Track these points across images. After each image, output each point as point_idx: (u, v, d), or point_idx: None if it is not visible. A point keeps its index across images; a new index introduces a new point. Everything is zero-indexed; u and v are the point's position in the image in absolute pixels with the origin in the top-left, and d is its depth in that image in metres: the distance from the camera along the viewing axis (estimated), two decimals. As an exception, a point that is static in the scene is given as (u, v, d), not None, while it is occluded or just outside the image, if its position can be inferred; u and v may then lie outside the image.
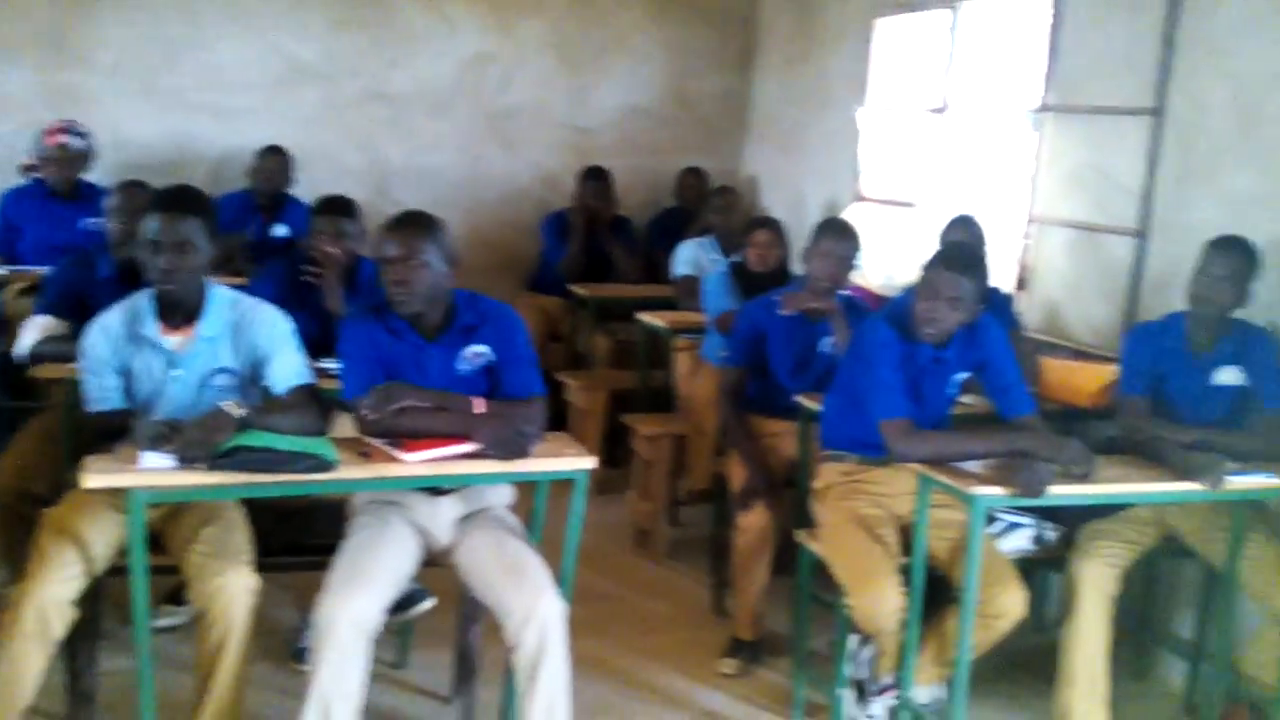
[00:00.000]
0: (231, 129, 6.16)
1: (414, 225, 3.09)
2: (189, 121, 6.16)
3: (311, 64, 6.33)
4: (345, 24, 6.35)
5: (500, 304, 3.23)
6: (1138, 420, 3.46)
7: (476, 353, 3.14)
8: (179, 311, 3.09)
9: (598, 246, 6.30)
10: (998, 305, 4.21)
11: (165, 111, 6.12)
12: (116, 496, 2.82)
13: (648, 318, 5.31)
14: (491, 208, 6.72)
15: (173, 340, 3.07)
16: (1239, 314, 3.50)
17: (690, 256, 5.63)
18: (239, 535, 3.04)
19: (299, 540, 3.34)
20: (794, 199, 6.55)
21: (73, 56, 5.96)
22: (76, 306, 3.77)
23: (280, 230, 5.77)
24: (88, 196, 5.47)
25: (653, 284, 6.13)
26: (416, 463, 2.86)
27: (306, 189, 6.12)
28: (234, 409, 2.81)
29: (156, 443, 2.73)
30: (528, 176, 6.82)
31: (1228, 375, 3.52)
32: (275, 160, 5.88)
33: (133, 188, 4.04)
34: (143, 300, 3.10)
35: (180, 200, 3.10)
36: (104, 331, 3.06)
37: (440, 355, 3.12)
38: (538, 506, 3.22)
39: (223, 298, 3.15)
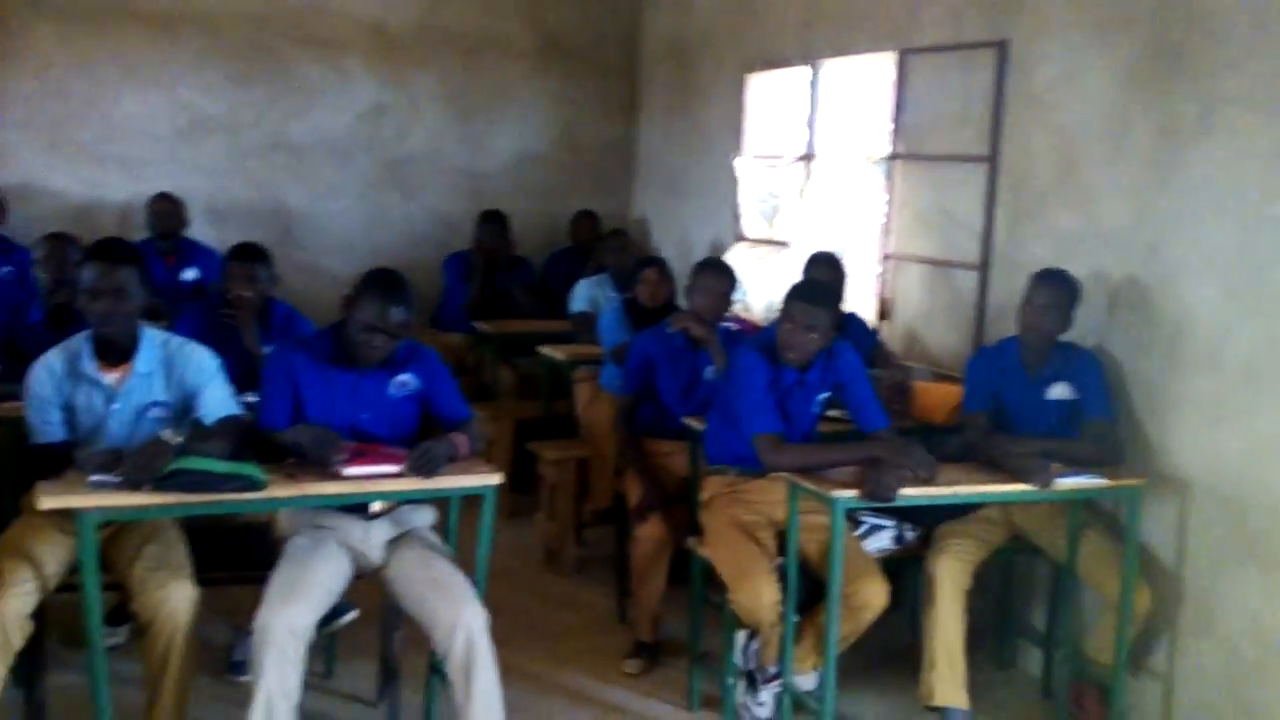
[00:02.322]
0: (138, 179, 6.40)
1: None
2: (97, 173, 6.41)
3: (214, 116, 6.62)
4: (245, 78, 6.66)
5: (416, 342, 3.59)
6: (980, 434, 3.91)
7: (403, 382, 3.49)
8: (115, 351, 3.38)
9: (498, 285, 6.66)
10: (863, 334, 4.69)
11: (73, 164, 6.36)
12: (65, 519, 3.10)
13: (549, 351, 5.65)
14: (392, 251, 7.04)
15: (110, 377, 3.36)
16: (1067, 337, 4.00)
17: (586, 294, 6.02)
18: (179, 551, 3.33)
19: (231, 559, 3.61)
20: (681, 239, 7.00)
21: (-19, 112, 6.17)
22: (8, 350, 4.04)
23: (189, 274, 6.02)
24: (3, 248, 5.69)
25: (551, 319, 6.49)
26: (356, 477, 3.18)
27: (213, 235, 6.42)
28: (171, 437, 3.11)
29: (102, 469, 3.03)
30: (426, 220, 7.16)
31: (1058, 391, 3.99)
32: (165, 205, 6.14)
33: (59, 239, 4.29)
34: (81, 341, 3.38)
35: (114, 251, 3.40)
36: (47, 370, 3.34)
37: (372, 383, 3.46)
38: (451, 522, 3.57)
39: (154, 338, 3.45)
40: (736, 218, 6.42)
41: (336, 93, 6.87)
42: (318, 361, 3.43)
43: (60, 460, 3.22)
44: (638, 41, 7.52)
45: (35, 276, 5.57)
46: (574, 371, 5.60)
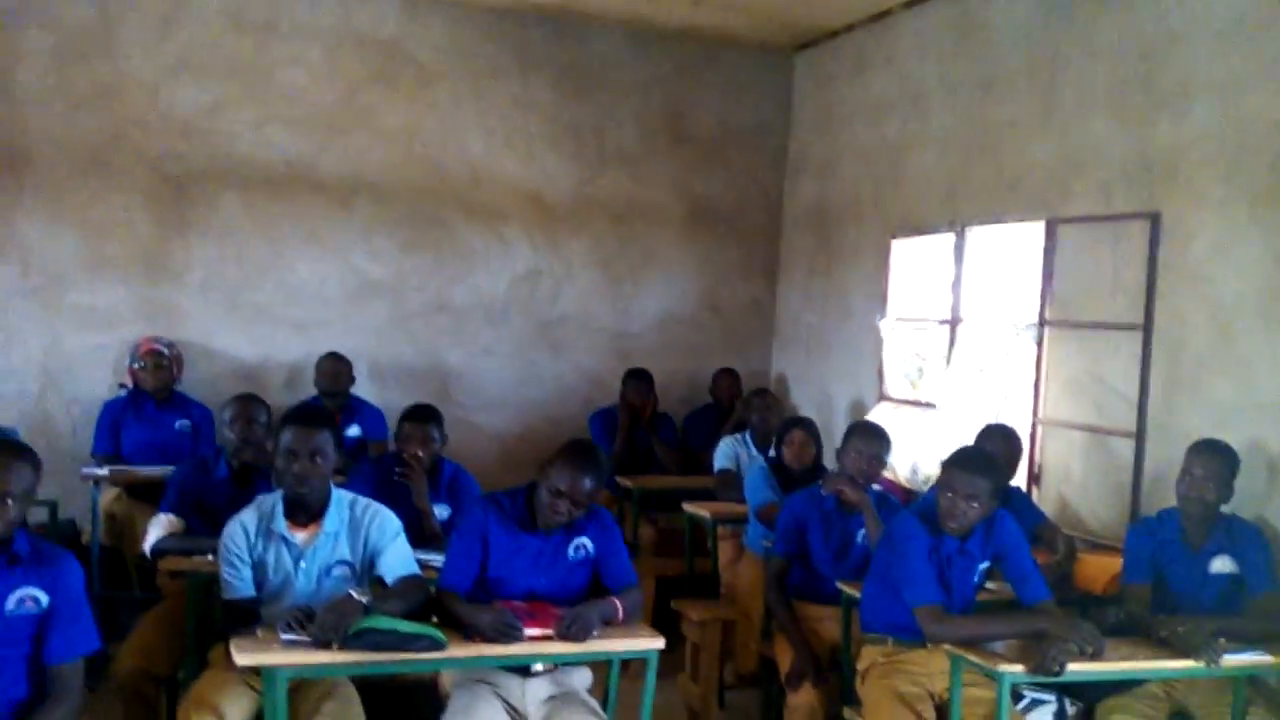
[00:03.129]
0: (308, 339, 6.78)
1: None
2: (270, 333, 6.80)
3: (382, 280, 7.01)
4: (412, 245, 7.06)
5: (600, 507, 3.73)
6: (1141, 607, 3.87)
7: (580, 545, 3.65)
8: (305, 511, 3.59)
9: (641, 441, 6.83)
10: (1028, 510, 4.67)
11: (248, 324, 6.77)
12: (251, 674, 3.28)
13: (693, 508, 5.73)
14: (542, 406, 7.30)
15: (300, 536, 3.57)
16: (1228, 508, 3.96)
17: (729, 452, 6.12)
18: (355, 708, 3.46)
19: (398, 716, 3.72)
20: (821, 398, 7.10)
21: (167, 275, 6.63)
22: (195, 506, 4.30)
23: (354, 431, 6.31)
24: (179, 402, 6.09)
25: (692, 475, 6.60)
26: (534, 637, 3.34)
27: (376, 393, 6.73)
28: (360, 596, 3.28)
29: (293, 626, 3.20)
30: (574, 377, 7.41)
31: (1221, 564, 3.96)
32: (333, 364, 6.48)
33: (246, 400, 4.56)
34: (274, 500, 3.61)
35: (312, 415, 3.65)
36: (241, 528, 3.56)
37: (553, 546, 3.63)
38: (611, 685, 3.65)
39: (342, 498, 3.66)
40: (879, 378, 6.51)
41: (496, 258, 7.23)
42: (506, 523, 3.61)
43: (249, 615, 3.43)
44: (780, 207, 7.78)
45: (213, 432, 5.97)
46: (717, 530, 5.67)
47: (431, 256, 7.10)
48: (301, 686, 3.51)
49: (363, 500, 3.70)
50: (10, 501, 2.97)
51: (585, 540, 3.68)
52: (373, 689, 3.61)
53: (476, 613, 3.40)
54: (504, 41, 7.19)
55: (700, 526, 5.81)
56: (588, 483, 3.53)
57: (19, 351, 6.34)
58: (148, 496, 5.42)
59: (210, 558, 3.83)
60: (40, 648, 3.04)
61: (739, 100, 7.73)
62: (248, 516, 3.59)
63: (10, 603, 2.99)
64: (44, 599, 3.02)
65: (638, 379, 6.95)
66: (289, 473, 3.54)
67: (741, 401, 6.86)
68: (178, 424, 6.02)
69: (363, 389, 6.66)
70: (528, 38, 7.24)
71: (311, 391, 6.48)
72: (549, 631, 3.38)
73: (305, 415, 3.65)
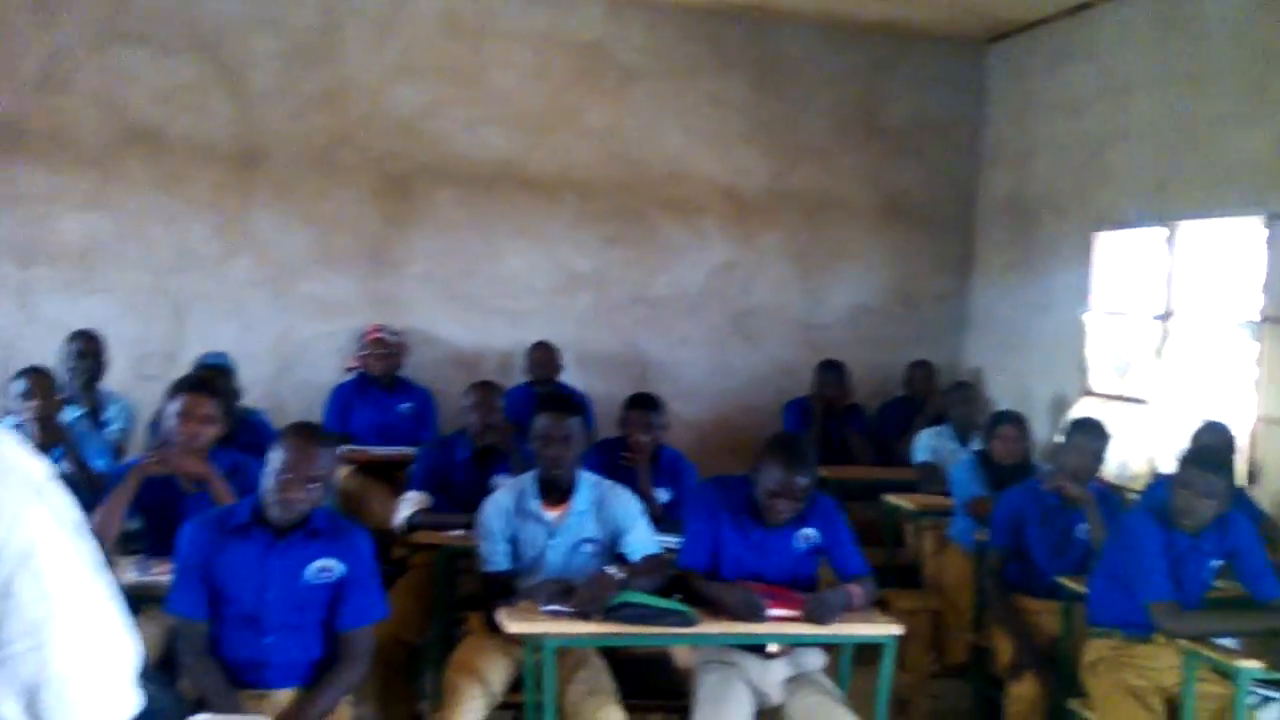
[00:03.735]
0: (518, 328, 7.10)
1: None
2: (484, 322, 7.15)
3: (586, 273, 7.29)
4: (615, 239, 7.33)
5: (823, 495, 3.89)
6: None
7: (805, 535, 3.81)
8: (556, 491, 3.85)
9: (834, 431, 6.93)
10: (1248, 508, 4.65)
11: (465, 313, 7.13)
12: (510, 642, 3.55)
13: (896, 500, 5.83)
14: (735, 396, 7.48)
15: (551, 514, 3.83)
16: None
17: (929, 444, 6.18)
18: (606, 677, 3.70)
19: (631, 687, 3.94)
20: (1019, 391, 7.10)
21: (390, 267, 7.04)
22: (440, 483, 4.61)
23: (564, 417, 6.58)
24: (403, 387, 6.46)
25: (885, 467, 6.69)
26: (777, 618, 3.52)
27: (579, 380, 7.01)
28: (615, 573, 3.51)
29: (555, 599, 3.45)
30: (767, 367, 7.57)
31: None
32: (543, 353, 6.79)
33: (486, 387, 4.87)
34: (528, 481, 3.87)
35: (563, 403, 3.90)
36: (498, 507, 3.84)
37: (779, 537, 3.79)
38: (843, 667, 3.81)
39: (588, 480, 3.91)
40: (1083, 373, 6.48)
41: (693, 251, 7.44)
42: (733, 511, 3.79)
43: (504, 587, 3.70)
44: (974, 199, 7.78)
45: (431, 414, 6.34)
46: (920, 521, 5.75)
47: (632, 250, 7.35)
48: (557, 654, 3.77)
49: (606, 482, 3.95)
50: (318, 483, 3.27)
51: (810, 531, 3.82)
52: (610, 660, 3.84)
53: (723, 591, 3.59)
54: (701, 40, 7.38)
55: (897, 517, 5.89)
56: (800, 479, 3.66)
57: (255, 338, 6.79)
58: (378, 474, 5.81)
59: (459, 533, 4.14)
60: (334, 614, 3.33)
61: (931, 93, 7.76)
62: (504, 495, 3.86)
63: (310, 572, 3.29)
64: (340, 569, 3.31)
65: (832, 370, 7.05)
66: (544, 456, 3.80)
67: (940, 394, 6.90)
68: (401, 407, 6.38)
69: (567, 377, 6.93)
70: (724, 36, 7.41)
71: (521, 379, 6.78)
72: (791, 613, 3.56)
73: (558, 403, 3.91)
